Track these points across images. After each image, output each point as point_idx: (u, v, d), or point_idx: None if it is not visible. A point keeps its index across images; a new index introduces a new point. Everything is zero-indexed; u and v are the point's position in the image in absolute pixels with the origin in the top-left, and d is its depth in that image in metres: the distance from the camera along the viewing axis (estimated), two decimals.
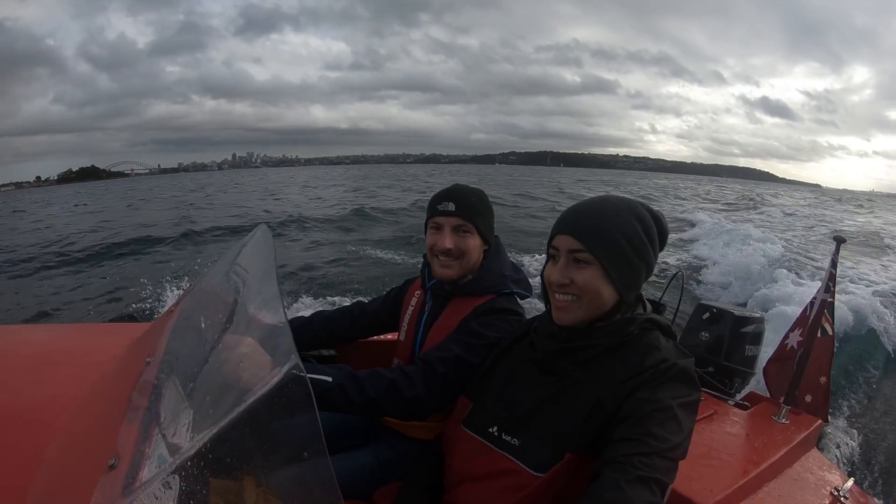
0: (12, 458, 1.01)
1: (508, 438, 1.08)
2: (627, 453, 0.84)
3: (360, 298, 1.94)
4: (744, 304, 6.90)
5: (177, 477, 0.87)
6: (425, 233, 1.50)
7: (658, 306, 1.19)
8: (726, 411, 1.81)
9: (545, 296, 1.12)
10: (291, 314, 2.03)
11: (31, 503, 0.89)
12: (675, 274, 2.31)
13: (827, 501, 1.47)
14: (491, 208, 1.51)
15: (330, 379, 1.15)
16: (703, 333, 2.23)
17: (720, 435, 1.63)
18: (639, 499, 0.78)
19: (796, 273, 8.06)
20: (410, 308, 1.62)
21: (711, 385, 2.03)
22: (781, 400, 1.84)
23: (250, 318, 1.02)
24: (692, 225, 15.55)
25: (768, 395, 2.08)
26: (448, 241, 1.43)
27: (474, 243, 1.45)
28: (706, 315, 2.24)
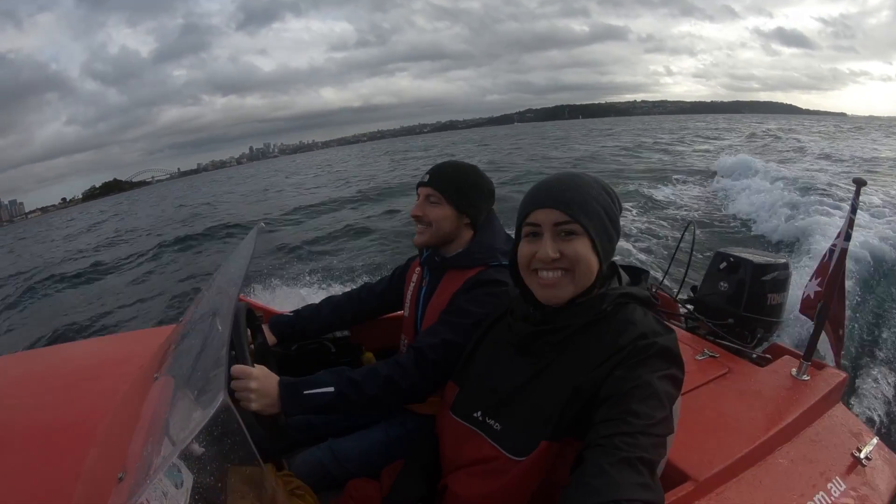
0: (52, 472, 1.14)
1: (492, 423, 1.08)
2: (609, 434, 0.82)
3: (368, 280, 2.02)
4: (777, 244, 6.67)
5: (184, 477, 0.99)
6: None
7: (637, 274, 1.17)
8: (742, 369, 1.73)
9: (517, 278, 1.11)
10: (315, 298, 2.13)
11: None
12: (688, 225, 2.27)
13: (846, 463, 1.39)
14: (475, 183, 1.53)
15: (332, 389, 1.24)
16: (721, 283, 2.13)
17: (732, 396, 1.56)
18: (625, 482, 0.75)
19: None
20: (412, 285, 1.69)
21: (729, 339, 1.93)
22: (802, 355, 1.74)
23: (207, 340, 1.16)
24: (713, 173, 14.42)
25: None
26: (417, 209, 1.52)
27: (443, 213, 1.50)
28: (723, 264, 2.13)
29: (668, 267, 2.44)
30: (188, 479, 1.00)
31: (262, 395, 1.17)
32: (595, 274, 1.01)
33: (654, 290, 2.31)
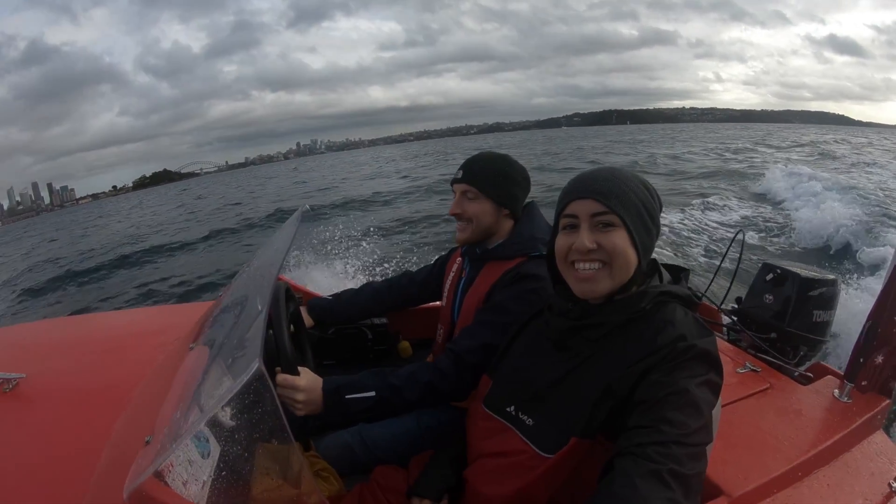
0: (84, 431, 1.18)
1: (524, 418, 1.07)
2: (641, 442, 0.79)
3: (409, 269, 2.03)
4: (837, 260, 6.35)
5: (212, 448, 0.98)
6: None
7: (678, 272, 1.12)
8: (783, 385, 1.66)
9: (554, 271, 1.09)
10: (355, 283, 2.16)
11: (97, 471, 1.03)
12: (737, 233, 2.20)
13: (882, 493, 1.32)
14: (508, 174, 1.52)
15: (373, 394, 1.28)
16: (766, 296, 2.04)
17: (771, 413, 1.51)
18: (653, 496, 0.72)
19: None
20: (451, 275, 1.69)
21: (772, 354, 1.85)
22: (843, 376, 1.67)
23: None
24: (761, 177, 14.08)
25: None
26: (455, 206, 1.51)
27: (481, 208, 1.49)
28: (770, 276, 2.04)
29: (714, 275, 2.37)
30: (215, 449, 1.01)
31: (307, 404, 1.22)
32: (633, 269, 0.99)
33: (699, 295, 2.27)
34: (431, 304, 1.95)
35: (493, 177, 1.49)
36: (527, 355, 1.15)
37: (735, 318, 2.09)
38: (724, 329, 2.09)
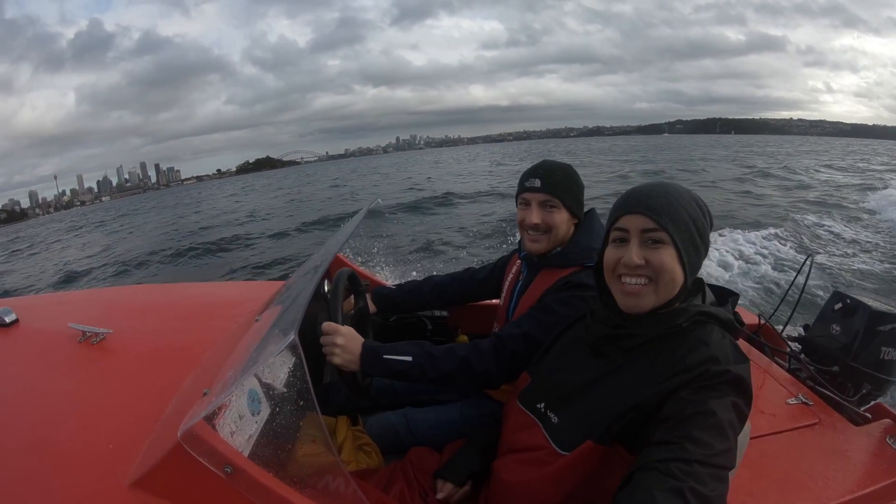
0: (157, 385, 1.33)
1: (551, 416, 1.10)
2: (665, 458, 0.78)
3: (472, 265, 2.09)
4: None
5: (262, 409, 1.12)
6: (517, 208, 1.56)
7: (725, 295, 1.10)
8: (834, 423, 1.56)
9: (600, 281, 1.10)
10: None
11: (163, 416, 1.18)
12: (807, 257, 2.10)
13: None
14: (578, 182, 1.51)
15: (410, 358, 1.32)
16: (833, 326, 1.92)
17: (813, 450, 1.43)
18: None
19: None
20: (510, 276, 1.71)
21: (828, 388, 1.74)
22: None
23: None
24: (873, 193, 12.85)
25: None
26: (535, 217, 1.47)
27: (561, 217, 1.48)
28: (839, 305, 1.92)
29: (781, 300, 2.25)
30: (265, 410, 1.14)
31: (345, 351, 1.29)
32: (679, 286, 0.99)
33: (760, 322, 2.18)
34: (491, 301, 1.97)
35: (570, 186, 1.49)
36: (564, 357, 1.18)
37: (799, 347, 2.00)
38: (787, 357, 1.99)
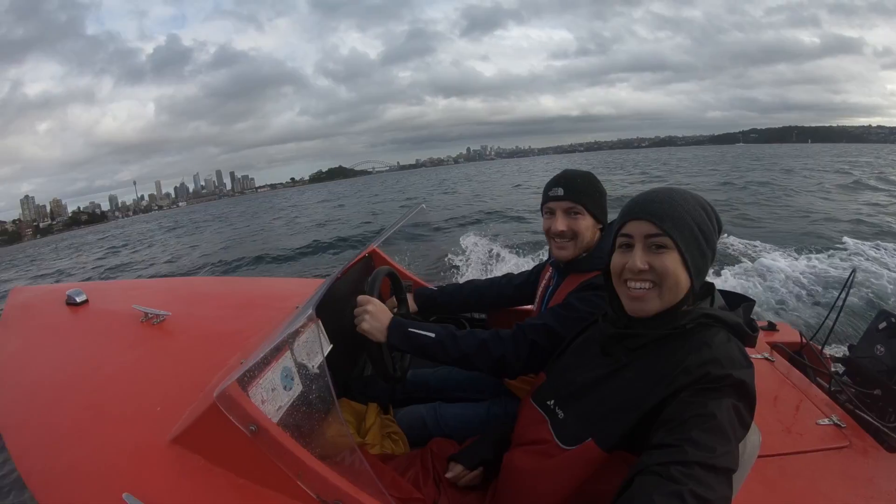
0: (208, 361, 1.48)
1: (559, 412, 1.13)
2: (665, 461, 0.78)
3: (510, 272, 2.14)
4: None
5: (295, 385, 1.24)
6: (543, 218, 1.61)
7: (738, 301, 1.08)
8: (866, 448, 1.47)
9: (609, 287, 1.11)
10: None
11: (208, 386, 1.31)
12: (851, 273, 2.00)
13: None
14: (601, 189, 1.55)
15: (433, 335, 1.40)
16: (878, 347, 1.82)
17: (836, 474, 1.36)
18: None
19: None
20: (543, 282, 1.76)
21: (863, 411, 1.62)
22: None
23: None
24: None
25: None
26: (560, 224, 1.52)
27: (586, 224, 1.51)
28: (883, 325, 1.83)
29: (825, 318, 2.11)
30: (297, 388, 1.26)
31: (374, 319, 1.40)
32: (684, 291, 1.00)
33: (803, 342, 2.12)
34: (527, 307, 2.02)
35: (593, 193, 1.53)
36: (576, 356, 1.21)
37: (842, 368, 1.92)
38: (829, 378, 1.89)
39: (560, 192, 1.52)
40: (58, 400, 1.40)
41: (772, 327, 2.31)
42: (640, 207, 1.02)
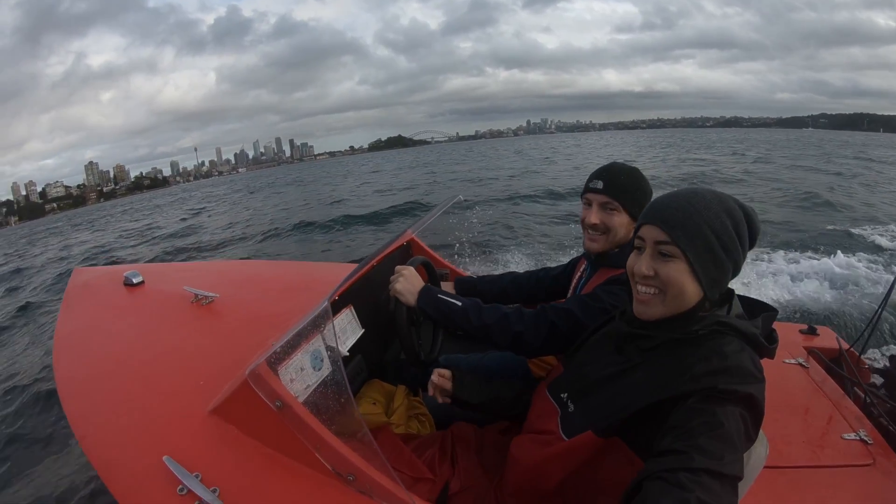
0: (249, 341, 1.60)
1: (570, 405, 1.14)
2: (673, 468, 0.78)
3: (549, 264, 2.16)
4: None
5: (324, 366, 1.34)
6: (582, 206, 1.62)
7: (760, 310, 1.05)
8: (892, 468, 1.40)
9: (629, 286, 1.11)
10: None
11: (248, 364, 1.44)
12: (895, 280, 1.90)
13: None
14: (644, 188, 1.54)
15: (459, 304, 1.50)
16: None
17: (853, 493, 1.32)
18: None
19: None
20: (577, 274, 1.79)
21: (893, 426, 1.55)
22: None
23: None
24: None
25: None
26: (594, 217, 1.52)
27: (620, 220, 1.51)
28: None
29: (867, 325, 2.01)
30: (325, 369, 1.36)
31: (407, 281, 1.54)
32: (692, 300, 0.99)
33: (842, 350, 2.03)
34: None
35: (633, 191, 1.51)
36: (592, 351, 1.22)
37: (881, 381, 1.87)
38: (864, 391, 1.80)
39: (600, 185, 1.51)
40: (113, 373, 1.58)
41: (812, 331, 2.23)
42: (655, 212, 1.01)
